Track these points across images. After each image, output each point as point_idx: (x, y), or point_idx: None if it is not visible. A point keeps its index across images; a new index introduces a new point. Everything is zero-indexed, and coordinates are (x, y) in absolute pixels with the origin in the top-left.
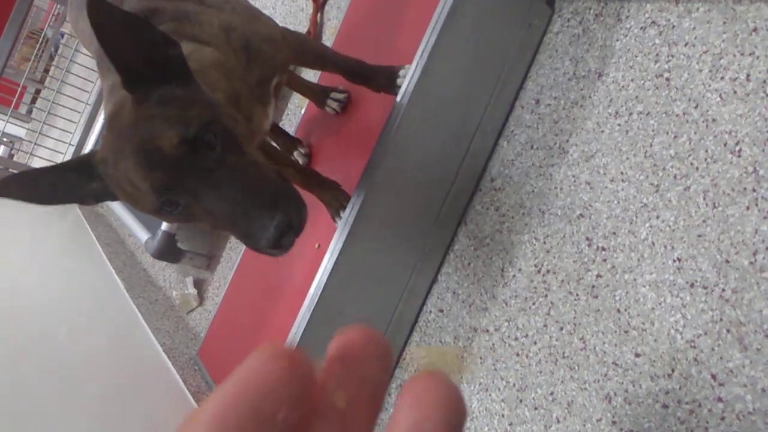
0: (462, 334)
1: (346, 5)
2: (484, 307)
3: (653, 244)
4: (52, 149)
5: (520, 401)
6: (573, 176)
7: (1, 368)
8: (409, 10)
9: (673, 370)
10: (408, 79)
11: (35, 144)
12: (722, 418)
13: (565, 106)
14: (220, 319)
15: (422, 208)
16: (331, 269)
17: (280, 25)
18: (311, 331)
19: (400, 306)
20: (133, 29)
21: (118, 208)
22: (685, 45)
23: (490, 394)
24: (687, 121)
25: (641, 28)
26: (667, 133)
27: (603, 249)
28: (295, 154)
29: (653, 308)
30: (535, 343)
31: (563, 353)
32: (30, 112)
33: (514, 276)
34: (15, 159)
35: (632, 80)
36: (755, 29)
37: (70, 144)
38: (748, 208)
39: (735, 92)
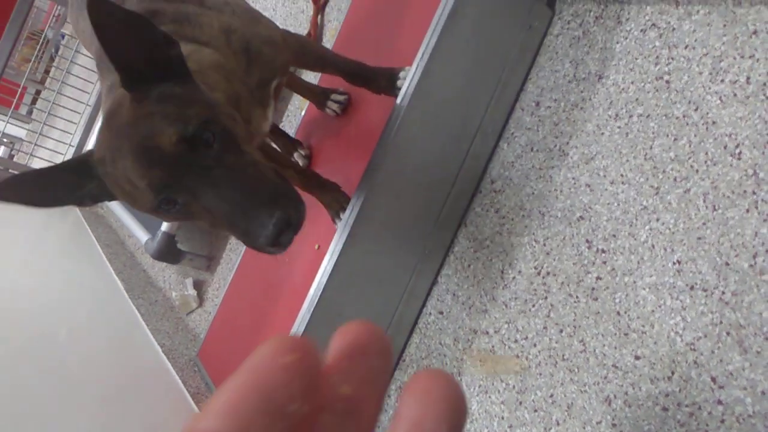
0: (462, 336)
1: (346, 7)
2: (483, 309)
3: (653, 246)
4: (53, 150)
5: (520, 403)
6: (573, 178)
7: (1, 369)
8: (410, 12)
9: (672, 373)
10: (408, 80)
11: (35, 145)
12: (722, 421)
13: (565, 109)
14: (220, 320)
15: (422, 209)
16: (331, 270)
17: (281, 27)
18: (311, 333)
19: (400, 307)
20: (133, 28)
21: (118, 209)
22: (686, 47)
23: (489, 396)
24: (687, 124)
25: (641, 30)
26: (667, 135)
27: (603, 251)
28: (295, 155)
29: (653, 311)
30: (535, 345)
31: (563, 355)
32: (30, 112)
33: (513, 278)
34: (15, 159)
35: (632, 83)
36: (755, 32)
37: (70, 145)
38: (748, 210)
39: (735, 95)
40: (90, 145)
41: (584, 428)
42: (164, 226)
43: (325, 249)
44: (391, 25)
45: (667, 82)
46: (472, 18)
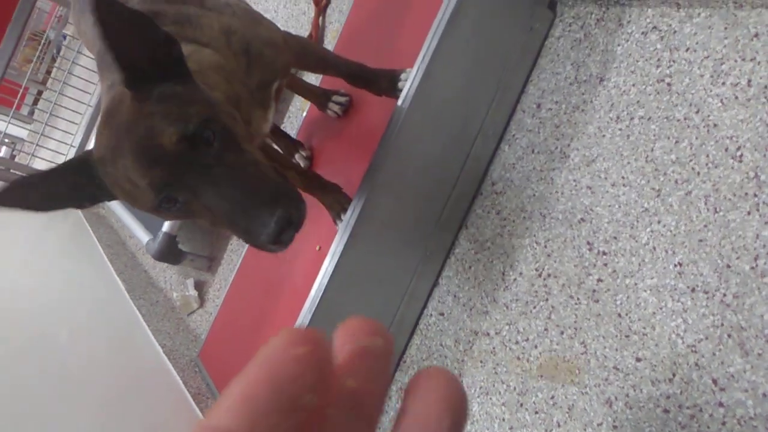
0: (463, 337)
1: (347, 9)
2: (484, 311)
3: (654, 248)
4: (54, 150)
5: (521, 405)
6: (574, 180)
7: (2, 369)
8: (411, 14)
9: (674, 375)
10: (409, 82)
11: (37, 145)
12: (723, 423)
13: (566, 111)
14: (221, 321)
15: (423, 211)
16: (332, 272)
17: (282, 28)
18: None
19: (401, 309)
20: (137, 27)
21: (119, 210)
22: (687, 50)
23: (490, 398)
24: (688, 126)
25: (643, 32)
26: (669, 137)
27: (604, 253)
28: (297, 156)
29: (654, 313)
30: (536, 346)
31: (564, 357)
32: (32, 113)
33: (515, 280)
34: (17, 160)
35: (633, 85)
36: (756, 35)
37: (71, 145)
38: (749, 213)
39: (736, 97)
40: (91, 145)
41: (585, 430)
42: (165, 226)
43: (326, 250)
44: (392, 26)
45: (669, 84)
46: (473, 20)
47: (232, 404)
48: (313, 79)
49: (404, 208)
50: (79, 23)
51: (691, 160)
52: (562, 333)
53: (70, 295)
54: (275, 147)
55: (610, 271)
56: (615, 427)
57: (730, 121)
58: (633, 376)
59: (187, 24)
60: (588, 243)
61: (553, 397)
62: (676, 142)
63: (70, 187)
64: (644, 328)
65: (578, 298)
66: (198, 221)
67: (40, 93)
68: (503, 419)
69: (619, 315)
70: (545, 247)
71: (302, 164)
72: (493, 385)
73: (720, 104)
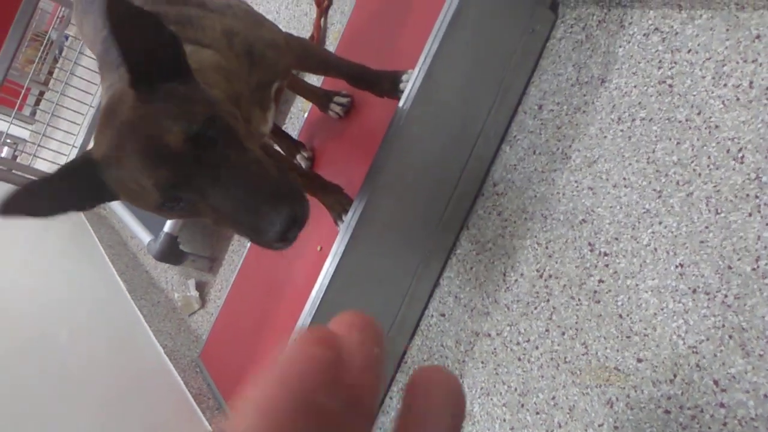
0: (464, 338)
1: (349, 10)
2: (486, 312)
3: (656, 249)
4: (56, 151)
5: (522, 406)
6: (575, 181)
7: (2, 369)
8: (413, 15)
9: (675, 376)
10: (411, 84)
11: (39, 146)
12: (724, 424)
13: (567, 112)
14: (222, 321)
15: (424, 212)
16: (333, 272)
17: (284, 30)
18: None
19: (402, 309)
20: (145, 27)
21: (120, 210)
22: (688, 52)
23: (491, 399)
24: (690, 128)
25: (644, 34)
26: (670, 139)
27: (605, 254)
28: (298, 157)
29: (655, 314)
30: (537, 347)
31: (565, 358)
32: (34, 113)
33: (516, 280)
34: (18, 160)
35: (635, 86)
36: (758, 36)
37: (73, 146)
38: (750, 214)
39: (738, 99)
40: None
41: (586, 431)
42: (167, 227)
43: (327, 251)
44: (394, 28)
45: (670, 86)
46: (475, 21)
47: (251, 408)
48: (314, 80)
49: (405, 209)
50: (82, 24)
51: (692, 162)
52: (563, 334)
53: (70, 295)
54: (277, 148)
55: (611, 272)
56: (616, 427)
57: (731, 122)
58: (634, 376)
59: (189, 25)
60: (589, 244)
61: (554, 398)
62: (678, 143)
63: (71, 189)
64: (645, 329)
65: (579, 299)
66: (200, 220)
67: (42, 93)
68: (504, 420)
69: (621, 316)
70: (546, 248)
71: (303, 165)
72: (494, 386)
73: (721, 106)
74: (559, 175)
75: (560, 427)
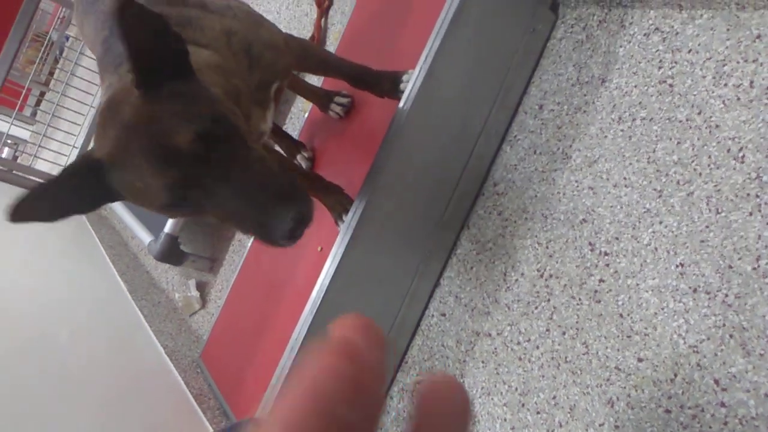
0: (464, 338)
1: (350, 10)
2: (486, 311)
3: (656, 249)
4: (56, 151)
5: (523, 405)
6: (576, 181)
7: (2, 369)
8: (413, 16)
9: (675, 375)
10: (411, 84)
11: (39, 146)
12: (725, 423)
13: (568, 112)
14: (223, 321)
15: (425, 212)
16: (333, 272)
17: (285, 30)
18: (313, 334)
19: (402, 309)
20: (153, 27)
21: (121, 211)
22: (689, 51)
23: (492, 398)
24: (690, 127)
25: (645, 34)
26: (671, 138)
27: (606, 254)
28: (298, 157)
29: (656, 313)
30: (538, 347)
31: (566, 358)
32: (34, 114)
33: (516, 280)
34: (19, 161)
35: (635, 86)
36: (759, 36)
37: (74, 146)
38: (751, 213)
39: (738, 99)
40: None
41: (587, 430)
42: (167, 227)
43: (328, 251)
44: (394, 28)
45: (671, 85)
46: (475, 21)
47: (277, 422)
48: (315, 80)
49: (406, 209)
50: (82, 25)
51: (693, 161)
52: (563, 333)
53: (70, 295)
54: (277, 148)
55: (611, 271)
56: (617, 427)
57: (732, 122)
58: (635, 376)
59: (188, 26)
60: (590, 243)
61: (554, 398)
62: (678, 143)
63: (74, 192)
64: (646, 328)
65: (580, 299)
66: (201, 220)
67: (42, 94)
68: (505, 419)
69: (621, 315)
70: (547, 247)
71: (304, 165)
72: (495, 386)
73: (722, 105)
74: (560, 175)
75: (561, 426)
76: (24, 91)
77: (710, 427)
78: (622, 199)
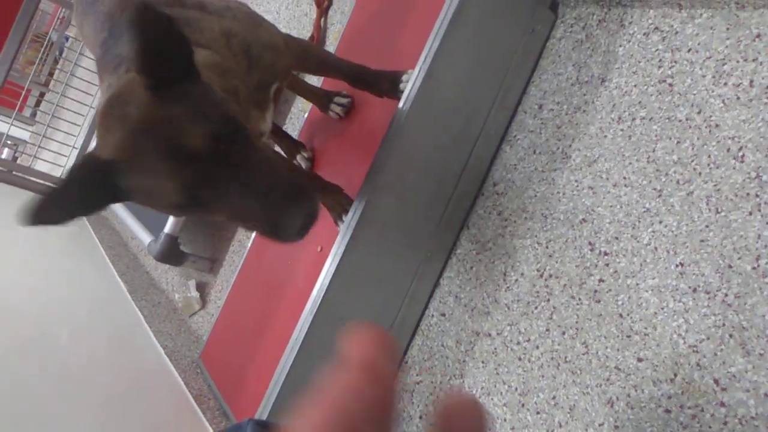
0: (464, 338)
1: (349, 10)
2: (486, 311)
3: (656, 248)
4: (56, 152)
5: (522, 405)
6: (576, 181)
7: (2, 369)
8: (413, 16)
9: (675, 375)
10: (411, 84)
11: (39, 147)
12: (725, 423)
13: (567, 111)
14: (223, 322)
15: (425, 212)
16: (333, 273)
17: (284, 30)
18: (313, 335)
19: (402, 310)
20: (164, 30)
21: (121, 211)
22: (689, 51)
23: (492, 398)
24: (690, 127)
25: (644, 33)
26: (670, 138)
27: (605, 254)
28: (298, 157)
29: (655, 313)
30: (538, 347)
31: (565, 358)
32: (34, 115)
33: (516, 280)
34: (19, 162)
35: (635, 86)
36: (759, 35)
37: (73, 147)
38: (750, 213)
39: (738, 98)
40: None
41: (587, 430)
42: (167, 228)
43: (328, 251)
44: (394, 28)
45: (670, 85)
46: (475, 21)
47: None
48: (314, 80)
49: (406, 209)
50: (82, 25)
51: (692, 161)
52: (563, 333)
53: (70, 295)
54: (277, 148)
55: (611, 271)
56: (616, 427)
57: (731, 121)
58: (634, 376)
59: (187, 27)
60: (589, 243)
61: (554, 398)
62: (678, 142)
63: (81, 193)
64: (646, 328)
65: (580, 299)
66: (210, 218)
67: (42, 95)
68: (505, 419)
69: (621, 315)
70: (547, 247)
71: (303, 165)
72: (495, 386)
73: (722, 105)
74: (560, 175)
75: (561, 426)
76: (24, 92)
77: (710, 427)
78: (621, 198)
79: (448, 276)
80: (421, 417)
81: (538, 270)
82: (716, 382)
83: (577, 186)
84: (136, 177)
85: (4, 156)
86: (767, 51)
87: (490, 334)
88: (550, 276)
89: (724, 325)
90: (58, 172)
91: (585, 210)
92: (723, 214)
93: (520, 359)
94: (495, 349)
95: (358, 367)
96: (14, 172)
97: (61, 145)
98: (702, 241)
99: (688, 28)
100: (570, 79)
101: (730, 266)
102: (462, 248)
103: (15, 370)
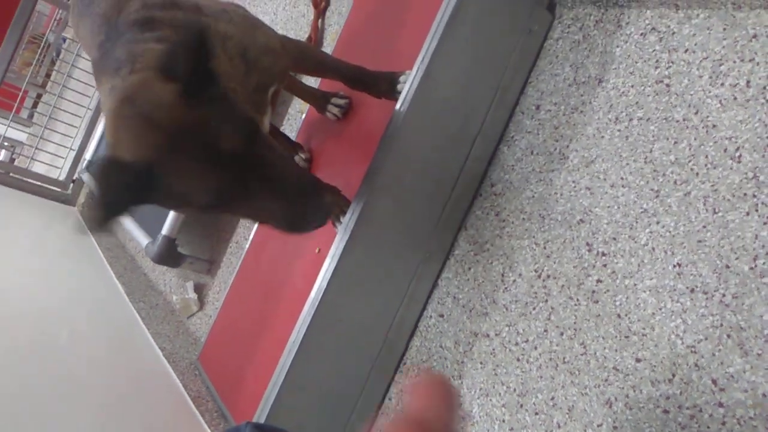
0: (462, 339)
1: (347, 11)
2: (484, 312)
3: (653, 249)
4: (53, 153)
5: (521, 406)
6: (573, 181)
7: (2, 369)
8: (410, 16)
9: (673, 375)
10: (408, 85)
11: (36, 148)
12: (723, 423)
13: (565, 112)
14: (221, 323)
15: (423, 213)
16: (331, 274)
17: (281, 31)
18: (312, 336)
19: (400, 311)
20: (203, 42)
21: None
22: (685, 51)
23: (490, 399)
24: (687, 127)
25: (641, 34)
26: (668, 138)
27: (603, 254)
28: (296, 158)
29: (653, 313)
30: (536, 348)
31: (564, 358)
32: (31, 116)
33: (514, 281)
34: (16, 163)
35: (632, 86)
36: (755, 36)
37: (71, 149)
38: (748, 213)
39: (735, 98)
40: (91, 149)
41: (585, 431)
42: (165, 229)
43: (326, 252)
44: (391, 29)
45: (667, 85)
46: (472, 22)
47: None
48: (312, 81)
49: (404, 210)
50: (78, 26)
51: (689, 161)
52: (561, 334)
53: (70, 295)
54: None
55: (609, 272)
56: (615, 427)
57: (728, 121)
58: (633, 376)
59: (184, 29)
60: (587, 244)
61: (553, 398)
62: (675, 142)
63: (115, 198)
64: (644, 328)
65: (578, 299)
66: (201, 220)
67: (39, 96)
68: (503, 420)
69: (619, 316)
70: (544, 248)
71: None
72: (493, 387)
73: (719, 105)
74: (557, 176)
75: (559, 427)
76: (21, 93)
77: (708, 427)
78: (619, 199)
79: (446, 277)
80: None
81: (536, 271)
82: (714, 382)
83: (575, 187)
84: (170, 178)
85: (1, 158)
86: (764, 51)
87: (488, 335)
88: (548, 277)
89: (722, 325)
90: (55, 174)
91: (582, 210)
92: (720, 214)
93: (518, 360)
94: (493, 350)
95: (416, 423)
96: (11, 174)
97: (58, 147)
98: (699, 241)
99: (685, 28)
100: (567, 80)
101: (727, 266)
102: (460, 249)
103: (14, 371)
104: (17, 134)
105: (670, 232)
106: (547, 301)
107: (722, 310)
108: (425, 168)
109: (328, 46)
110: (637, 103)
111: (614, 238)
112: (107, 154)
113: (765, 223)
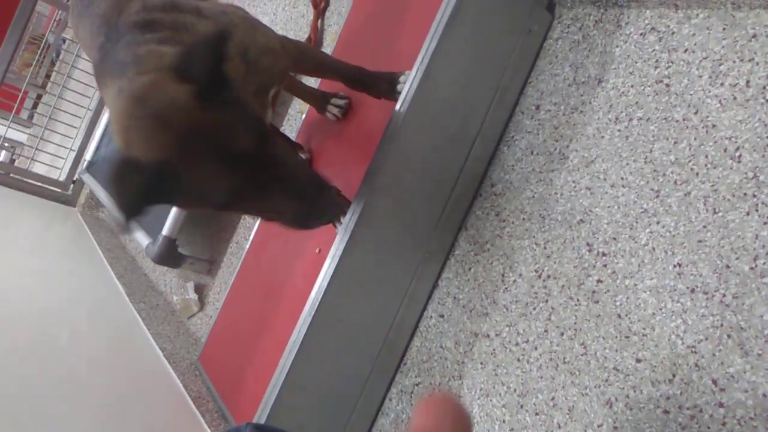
0: (463, 339)
1: (346, 11)
2: (484, 312)
3: (654, 249)
4: (54, 154)
5: (521, 406)
6: (573, 181)
7: (2, 369)
8: (410, 16)
9: (674, 376)
10: (408, 85)
11: (36, 149)
12: (723, 424)
13: (565, 112)
14: (221, 324)
15: (423, 213)
16: (331, 274)
17: (281, 32)
18: (312, 336)
19: (401, 311)
20: (222, 47)
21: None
22: (685, 51)
23: (491, 400)
24: (687, 127)
25: (641, 34)
26: (667, 138)
27: (603, 254)
28: None
29: (654, 313)
30: (536, 348)
31: (564, 358)
32: (31, 117)
33: (514, 281)
34: (16, 164)
35: (632, 86)
36: (755, 35)
37: (71, 149)
38: (748, 213)
39: (735, 98)
40: (91, 149)
41: (586, 431)
42: (165, 230)
43: (326, 253)
44: (391, 29)
45: (667, 85)
46: (472, 22)
47: None
48: (312, 81)
49: (403, 210)
50: (78, 27)
51: (689, 161)
52: (562, 334)
53: (70, 296)
54: None
55: (609, 272)
56: (615, 428)
57: (728, 121)
58: (633, 377)
59: (183, 30)
60: (587, 244)
61: (553, 399)
62: (675, 142)
63: (133, 198)
64: (644, 329)
65: (578, 300)
66: (202, 220)
67: (39, 97)
68: (504, 421)
69: (619, 316)
70: (545, 248)
71: None
72: (494, 387)
73: (719, 105)
74: (557, 176)
75: (560, 427)
76: (21, 94)
77: (708, 428)
78: (619, 199)
79: (447, 277)
80: None
81: (536, 271)
82: (715, 382)
83: (575, 187)
84: (188, 178)
85: (1, 158)
86: (763, 51)
87: (488, 336)
88: (549, 277)
89: (722, 325)
90: (55, 175)
91: (583, 211)
92: (720, 214)
93: (518, 360)
94: (494, 350)
95: None
96: (11, 175)
97: (58, 147)
98: (700, 241)
99: (684, 28)
100: (567, 80)
101: (728, 266)
102: (460, 249)
103: (15, 371)
104: (17, 135)
105: (670, 232)
106: (547, 301)
107: (722, 310)
108: (425, 168)
109: (328, 47)
110: (636, 103)
111: (614, 238)
112: (121, 155)
113: (765, 223)
